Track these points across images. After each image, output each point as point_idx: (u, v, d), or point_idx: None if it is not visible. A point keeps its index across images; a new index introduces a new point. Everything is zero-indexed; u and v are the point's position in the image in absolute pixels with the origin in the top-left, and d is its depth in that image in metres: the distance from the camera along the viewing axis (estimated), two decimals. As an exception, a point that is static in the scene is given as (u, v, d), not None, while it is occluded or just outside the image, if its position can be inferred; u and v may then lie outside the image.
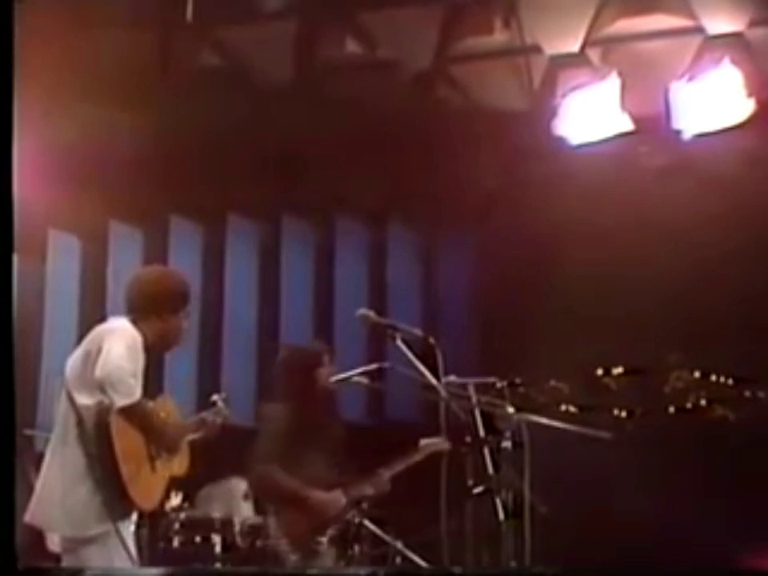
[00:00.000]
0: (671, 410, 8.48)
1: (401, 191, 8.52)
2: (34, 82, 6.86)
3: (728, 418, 8.33)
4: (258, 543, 6.17)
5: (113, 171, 7.88)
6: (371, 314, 5.12)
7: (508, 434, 4.66)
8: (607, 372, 8.74)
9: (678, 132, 8.13)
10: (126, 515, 4.71)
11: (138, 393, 4.59)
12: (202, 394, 6.63)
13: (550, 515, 4.36)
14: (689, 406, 8.47)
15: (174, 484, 5.44)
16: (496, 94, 8.22)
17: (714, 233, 8.93)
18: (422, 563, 5.36)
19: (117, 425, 4.60)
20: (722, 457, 7.69)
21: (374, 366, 5.11)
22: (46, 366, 7.97)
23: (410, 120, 8.16)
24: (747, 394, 8.40)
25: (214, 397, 5.08)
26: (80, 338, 8.71)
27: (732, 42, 7.93)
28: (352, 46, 8.19)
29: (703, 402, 8.44)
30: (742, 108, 7.88)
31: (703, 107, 7.95)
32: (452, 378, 5.05)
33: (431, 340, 4.81)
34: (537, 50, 8.28)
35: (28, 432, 7.26)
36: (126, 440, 4.61)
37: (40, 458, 7.82)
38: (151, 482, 4.76)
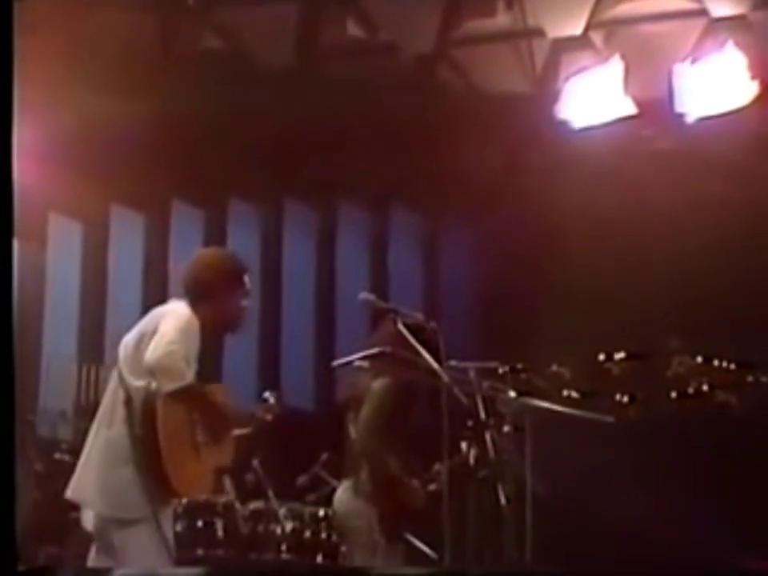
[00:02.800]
0: (673, 395, 8.50)
1: (403, 176, 8.51)
2: (34, 67, 6.87)
3: (730, 403, 8.35)
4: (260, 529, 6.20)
5: (114, 156, 7.87)
6: (373, 297, 5.13)
7: (509, 418, 4.68)
8: (609, 357, 8.75)
9: (682, 115, 8.13)
10: (164, 502, 4.63)
11: (188, 376, 4.54)
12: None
13: (551, 499, 4.37)
14: (691, 391, 8.49)
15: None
16: (498, 78, 8.23)
17: (717, 217, 8.93)
18: (427, 550, 5.39)
19: (163, 409, 4.56)
20: (725, 442, 7.71)
21: (375, 350, 5.10)
22: (47, 352, 7.99)
23: (413, 104, 8.16)
24: (749, 378, 8.42)
25: (266, 394, 5.08)
26: (81, 322, 8.89)
27: (736, 24, 7.93)
28: (354, 30, 8.18)
29: (705, 387, 8.45)
30: (745, 91, 7.87)
31: (706, 90, 7.95)
32: (453, 362, 5.06)
33: (432, 324, 4.82)
34: (539, 33, 8.28)
35: (30, 418, 7.28)
36: (172, 426, 4.57)
37: (41, 442, 7.94)
38: (196, 470, 4.69)
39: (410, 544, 5.28)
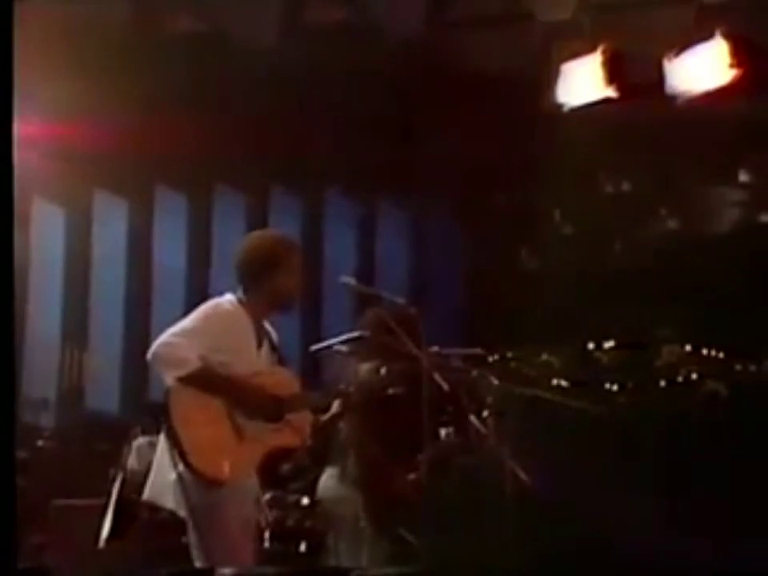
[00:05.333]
0: (662, 383, 8.52)
1: (389, 162, 8.49)
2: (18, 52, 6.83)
3: (719, 392, 8.37)
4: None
5: (97, 141, 7.85)
6: (354, 281, 5.13)
7: (490, 404, 4.68)
8: (598, 346, 8.78)
9: (671, 100, 8.12)
10: (200, 491, 4.68)
11: (190, 364, 4.64)
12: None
13: (533, 487, 4.37)
14: (680, 379, 8.51)
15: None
16: (488, 63, 8.20)
17: (706, 206, 8.94)
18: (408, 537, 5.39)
19: (177, 396, 4.68)
20: (714, 431, 7.72)
21: (354, 335, 5.11)
22: (29, 338, 7.96)
23: (400, 88, 8.14)
24: (739, 367, 8.44)
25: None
26: (64, 308, 8.86)
27: (726, 10, 7.92)
28: (341, 11, 8.17)
29: (694, 376, 8.48)
30: (735, 77, 7.86)
31: (696, 76, 7.94)
32: (436, 348, 5.06)
33: (413, 309, 4.81)
34: (529, 16, 8.27)
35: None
36: (188, 414, 4.68)
37: (23, 429, 7.91)
38: (240, 454, 4.75)
39: (396, 532, 5.27)
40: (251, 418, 4.78)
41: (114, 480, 5.64)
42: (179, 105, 7.85)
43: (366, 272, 8.39)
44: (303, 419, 4.94)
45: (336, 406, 5.14)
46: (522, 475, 4.30)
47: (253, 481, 4.88)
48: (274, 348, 5.04)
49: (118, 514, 5.68)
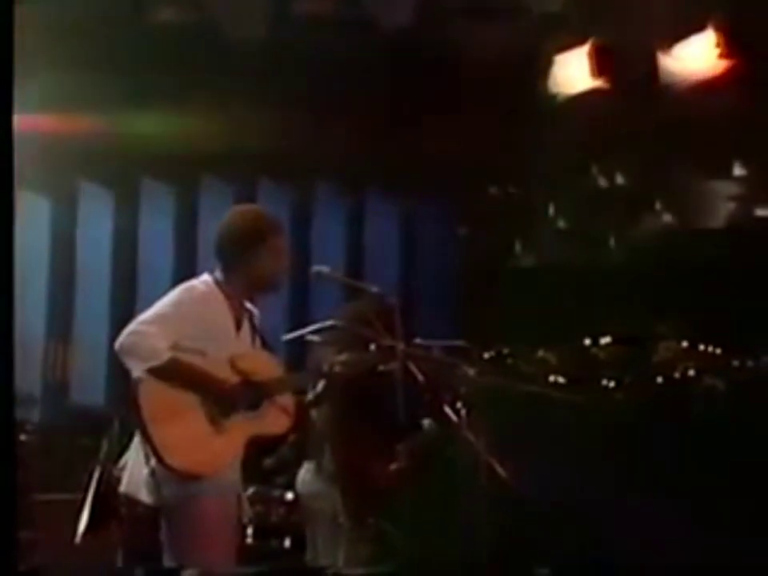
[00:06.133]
0: (659, 379, 8.48)
1: (379, 154, 8.43)
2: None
3: (716, 388, 8.33)
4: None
5: (83, 132, 7.81)
6: (325, 269, 5.06)
7: (467, 396, 4.61)
8: (595, 342, 8.74)
9: (664, 91, 8.07)
10: (168, 482, 4.53)
11: (160, 355, 4.48)
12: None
13: (510, 481, 4.31)
14: (677, 375, 8.47)
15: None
16: (479, 54, 8.13)
17: (702, 201, 8.90)
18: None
19: (147, 388, 4.52)
20: (711, 427, 7.68)
21: (326, 324, 5.03)
22: (17, 333, 7.88)
23: (390, 80, 8.08)
24: (735, 363, 8.40)
25: None
26: (49, 301, 8.82)
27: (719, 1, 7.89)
28: (331, 3, 8.11)
29: (691, 372, 8.44)
30: (727, 68, 7.82)
31: (689, 66, 7.90)
32: (418, 340, 5.00)
33: (390, 300, 4.74)
34: (523, 8, 8.21)
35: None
36: (158, 407, 4.52)
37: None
38: (215, 443, 4.58)
39: (375, 527, 5.21)
40: (227, 408, 4.60)
41: (91, 474, 5.58)
42: (167, 95, 7.82)
43: (356, 264, 8.35)
44: (286, 403, 4.74)
45: (321, 385, 4.98)
46: (499, 469, 4.24)
47: (233, 474, 4.70)
48: (255, 329, 4.85)
49: (95, 508, 5.59)
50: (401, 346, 4.54)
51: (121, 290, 8.33)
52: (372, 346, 4.66)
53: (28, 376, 7.93)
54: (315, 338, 4.89)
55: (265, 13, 8.00)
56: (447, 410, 4.40)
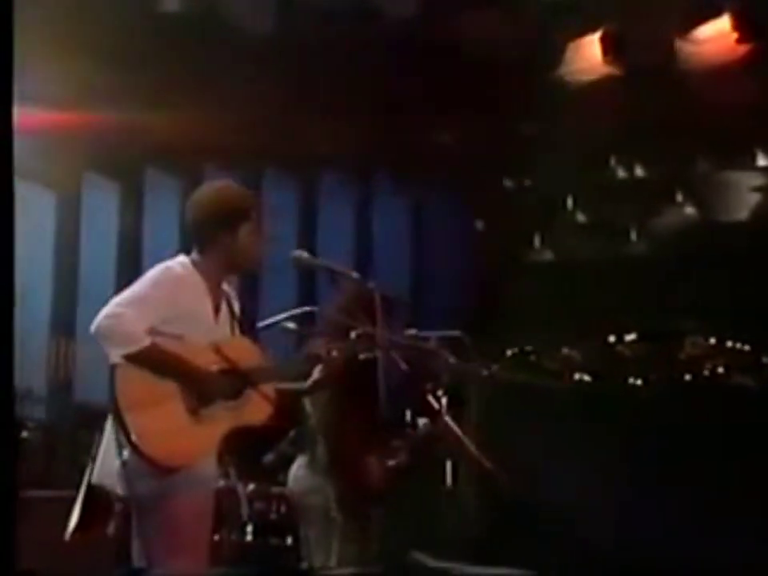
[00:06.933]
0: (687, 377, 8.32)
1: (388, 144, 8.32)
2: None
3: (746, 385, 8.16)
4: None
5: (88, 123, 7.75)
6: (304, 254, 4.93)
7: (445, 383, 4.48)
8: (620, 339, 8.59)
9: (678, 78, 7.92)
10: (141, 474, 4.35)
11: (139, 340, 4.28)
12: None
13: (497, 473, 4.16)
14: (706, 373, 8.31)
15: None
16: (487, 43, 7.99)
17: (730, 192, 8.76)
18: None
19: (123, 374, 4.33)
20: (741, 424, 7.50)
21: (300, 310, 4.89)
22: (20, 327, 7.84)
23: (397, 69, 7.96)
24: (765, 360, 8.24)
25: None
26: (53, 295, 8.77)
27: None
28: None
29: (720, 369, 8.27)
30: (741, 55, 7.66)
31: (703, 54, 7.75)
32: (413, 331, 4.87)
33: (371, 285, 4.60)
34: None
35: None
36: (136, 395, 4.33)
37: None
38: (193, 434, 4.40)
39: (368, 522, 5.07)
40: (207, 397, 4.41)
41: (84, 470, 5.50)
42: (172, 88, 7.75)
43: (365, 256, 8.27)
44: (268, 393, 4.53)
45: (317, 372, 4.80)
46: (484, 460, 4.11)
47: (209, 467, 4.49)
48: (233, 313, 4.65)
49: (86, 505, 5.48)
50: (381, 333, 4.40)
51: (125, 284, 8.26)
52: (352, 334, 4.53)
53: (31, 372, 7.89)
54: (290, 325, 4.76)
55: (272, 3, 7.90)
56: (430, 398, 4.28)
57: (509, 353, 8.27)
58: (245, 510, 5.65)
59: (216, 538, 6.07)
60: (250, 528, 6.12)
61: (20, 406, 7.90)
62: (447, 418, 4.22)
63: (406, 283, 8.56)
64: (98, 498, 5.12)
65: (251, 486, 6.25)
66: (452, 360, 4.43)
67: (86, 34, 7.49)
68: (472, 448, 4.10)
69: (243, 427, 4.51)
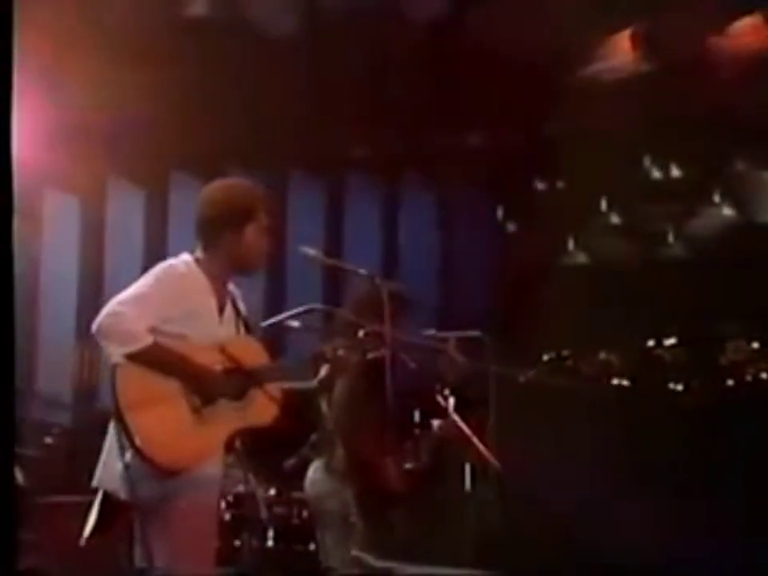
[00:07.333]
0: (729, 382, 8.16)
1: (414, 145, 8.25)
2: (32, 38, 6.75)
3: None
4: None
5: (112, 127, 7.74)
6: (310, 251, 4.86)
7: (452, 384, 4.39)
8: (659, 343, 8.44)
9: (712, 73, 7.77)
10: (144, 477, 4.29)
11: (140, 339, 4.26)
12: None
13: (504, 471, 4.07)
14: (748, 378, 8.14)
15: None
16: (513, 42, 7.88)
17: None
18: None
19: (125, 374, 4.31)
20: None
21: (303, 309, 4.81)
22: (44, 332, 7.87)
23: (422, 71, 7.88)
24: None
25: None
26: (79, 301, 8.77)
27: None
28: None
29: (764, 375, 8.10)
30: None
31: (738, 48, 7.61)
32: (432, 331, 4.80)
33: (378, 281, 4.52)
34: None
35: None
36: (138, 395, 4.29)
37: (33, 426, 7.82)
38: (197, 435, 4.35)
39: (387, 527, 4.99)
40: (211, 397, 4.36)
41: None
42: (197, 90, 7.73)
43: (390, 258, 8.20)
44: (274, 393, 4.47)
45: (323, 371, 4.66)
46: (490, 456, 4.02)
47: (212, 469, 4.41)
48: (238, 313, 4.60)
49: (102, 509, 5.44)
50: (388, 331, 4.31)
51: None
52: (361, 333, 4.45)
53: (56, 378, 7.91)
54: (294, 323, 4.69)
55: (300, 4, 7.85)
56: (438, 396, 4.20)
57: (545, 357, 8.13)
58: (264, 515, 5.56)
59: (237, 543, 6.09)
60: (271, 533, 6.07)
61: (46, 411, 7.93)
62: (456, 417, 4.15)
63: (435, 285, 8.52)
64: (114, 502, 5.07)
65: (272, 491, 6.21)
66: (460, 359, 4.35)
67: (112, 38, 7.51)
68: (481, 447, 4.03)
69: (248, 429, 4.46)
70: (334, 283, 7.50)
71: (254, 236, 4.51)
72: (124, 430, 4.26)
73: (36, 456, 7.00)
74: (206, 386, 4.38)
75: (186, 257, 4.54)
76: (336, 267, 4.79)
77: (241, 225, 4.50)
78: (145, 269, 8.35)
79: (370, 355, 4.33)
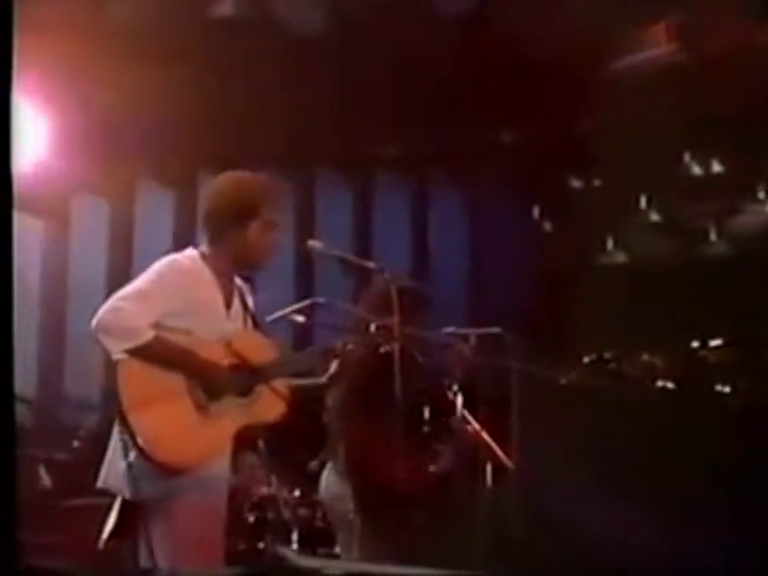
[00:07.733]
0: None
1: (444, 143, 8.14)
2: (57, 41, 6.75)
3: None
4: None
5: (140, 130, 7.72)
6: (318, 244, 4.77)
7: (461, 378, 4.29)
8: (704, 344, 8.27)
9: (752, 65, 7.59)
10: (148, 476, 4.25)
11: (141, 334, 4.21)
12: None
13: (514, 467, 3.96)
14: (794, 381, 7.96)
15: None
16: (544, 37, 7.74)
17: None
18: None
19: (127, 371, 4.26)
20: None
21: (306, 302, 4.73)
22: (72, 334, 7.86)
23: (452, 66, 7.77)
24: None
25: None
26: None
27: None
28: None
29: (811, 377, 7.91)
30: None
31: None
32: (452, 329, 4.70)
33: (387, 276, 4.43)
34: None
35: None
36: (141, 392, 4.24)
37: (60, 430, 7.81)
38: (202, 433, 4.30)
39: (391, 528, 4.87)
40: (216, 393, 4.30)
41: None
42: (224, 92, 7.69)
43: (420, 257, 8.11)
44: (281, 389, 4.42)
45: (333, 366, 4.59)
46: (500, 452, 3.91)
47: (219, 468, 4.37)
48: (246, 308, 4.53)
49: (122, 512, 5.39)
50: (397, 326, 4.21)
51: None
52: (371, 327, 4.36)
53: (83, 380, 7.89)
54: (298, 317, 4.60)
55: (324, 4, 7.79)
56: (448, 392, 4.10)
57: (586, 359, 8.00)
58: (287, 517, 5.49)
59: (261, 545, 6.02)
60: (295, 536, 6.00)
61: (73, 414, 7.93)
62: (464, 412, 4.05)
63: (465, 284, 8.43)
64: (133, 505, 5.00)
65: (297, 493, 6.14)
66: (468, 354, 4.24)
67: (139, 39, 7.49)
68: (494, 446, 3.93)
69: (255, 426, 4.38)
70: (361, 280, 7.44)
71: (257, 233, 4.46)
72: (127, 429, 4.21)
73: (64, 459, 7.01)
74: (211, 381, 4.31)
75: (190, 251, 4.48)
76: (343, 260, 4.71)
77: (244, 221, 4.44)
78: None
79: (381, 350, 4.24)
